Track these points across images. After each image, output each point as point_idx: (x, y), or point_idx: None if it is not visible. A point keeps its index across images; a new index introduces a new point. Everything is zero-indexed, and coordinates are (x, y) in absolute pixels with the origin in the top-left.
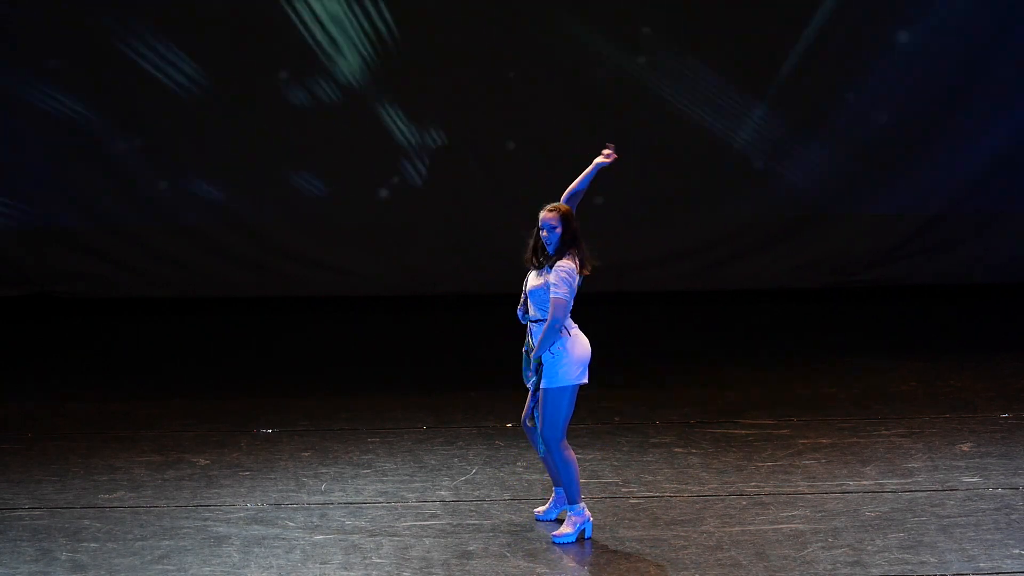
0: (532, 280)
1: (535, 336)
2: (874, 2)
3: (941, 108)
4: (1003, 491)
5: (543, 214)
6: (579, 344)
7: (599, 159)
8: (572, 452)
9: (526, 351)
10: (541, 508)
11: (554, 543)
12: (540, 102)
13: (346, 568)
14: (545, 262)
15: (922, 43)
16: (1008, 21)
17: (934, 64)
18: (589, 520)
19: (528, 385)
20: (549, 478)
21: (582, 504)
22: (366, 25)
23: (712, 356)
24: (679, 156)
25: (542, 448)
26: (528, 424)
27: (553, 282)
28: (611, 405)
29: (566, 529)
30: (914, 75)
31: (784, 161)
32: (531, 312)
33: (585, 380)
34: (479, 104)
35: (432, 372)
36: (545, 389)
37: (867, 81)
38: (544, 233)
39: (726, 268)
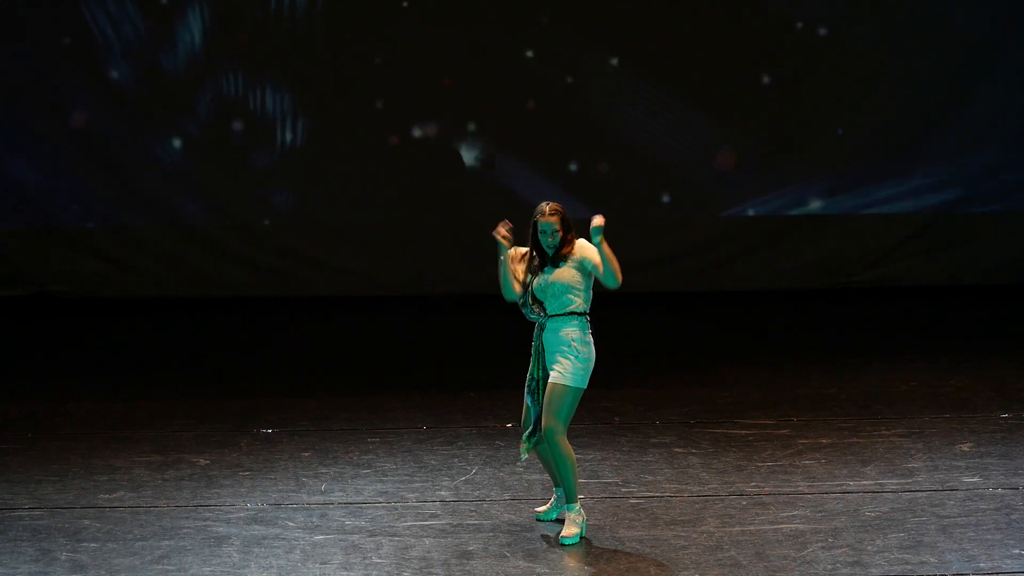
0: (543, 277)
1: (553, 333)
2: (873, 3)
3: (940, 108)
4: (1003, 491)
5: (543, 219)
6: (593, 353)
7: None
8: (571, 449)
9: (539, 351)
10: (541, 508)
11: (563, 545)
12: (539, 103)
13: (346, 568)
14: (547, 261)
15: (922, 44)
16: (1007, 22)
17: (934, 64)
18: (585, 520)
19: (528, 392)
20: (549, 478)
21: (578, 503)
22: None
23: (712, 356)
24: (679, 155)
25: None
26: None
27: (589, 256)
28: (611, 405)
29: (572, 529)
30: (914, 75)
31: (784, 161)
32: (549, 309)
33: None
34: (478, 104)
35: (432, 372)
36: (564, 386)
37: (867, 81)
38: (550, 239)
39: (726, 268)
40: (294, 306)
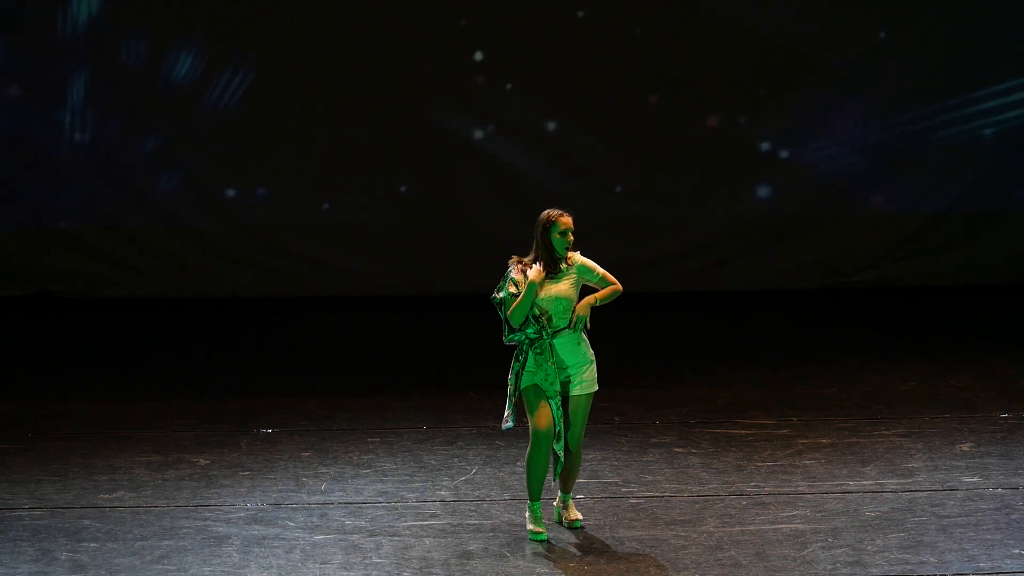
0: (546, 291)
1: (571, 345)
2: (872, 2)
3: (940, 108)
4: (1003, 491)
5: (561, 219)
6: None
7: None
8: None
9: (552, 364)
10: (540, 528)
11: (575, 527)
12: (539, 102)
13: (346, 568)
14: (556, 264)
15: (922, 43)
16: (1008, 21)
17: (934, 64)
18: None
19: (551, 401)
20: (548, 481)
21: None
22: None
23: (712, 356)
24: (679, 155)
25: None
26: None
27: (592, 266)
28: (611, 405)
29: (578, 515)
30: (914, 75)
31: (784, 161)
32: (553, 323)
33: None
34: (479, 103)
35: (432, 372)
36: (590, 395)
37: (867, 81)
38: (569, 239)
39: (726, 268)
40: (294, 306)
